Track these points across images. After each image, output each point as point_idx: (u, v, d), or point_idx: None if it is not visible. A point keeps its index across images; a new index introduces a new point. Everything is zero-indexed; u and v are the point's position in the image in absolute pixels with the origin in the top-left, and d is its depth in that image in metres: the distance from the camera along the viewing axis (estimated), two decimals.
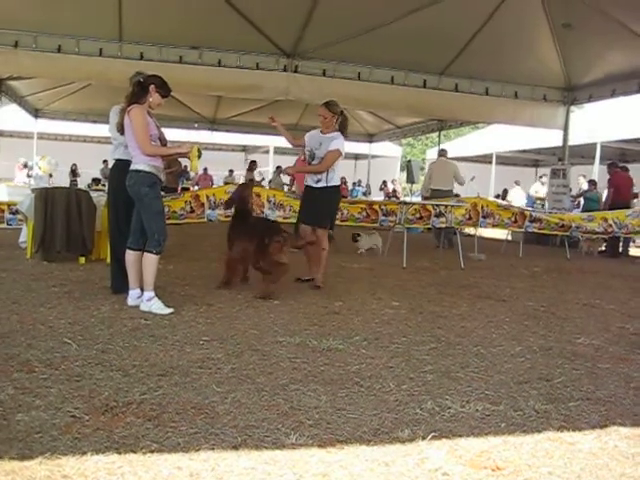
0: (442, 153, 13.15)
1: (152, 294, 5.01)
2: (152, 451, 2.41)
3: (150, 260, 5.03)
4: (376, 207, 10.58)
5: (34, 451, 2.35)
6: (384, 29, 11.02)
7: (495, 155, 23.04)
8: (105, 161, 22.97)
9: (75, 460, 2.30)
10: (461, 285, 7.27)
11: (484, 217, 10.41)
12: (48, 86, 16.14)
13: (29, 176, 20.13)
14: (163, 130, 5.54)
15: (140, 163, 5.03)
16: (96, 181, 20.89)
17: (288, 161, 25.37)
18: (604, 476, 2.43)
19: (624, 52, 11.69)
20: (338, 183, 6.65)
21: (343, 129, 6.47)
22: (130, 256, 5.17)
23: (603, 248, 13.17)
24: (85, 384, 3.12)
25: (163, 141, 5.45)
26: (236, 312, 5.11)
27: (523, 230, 11.11)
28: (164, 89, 5.19)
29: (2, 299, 5.08)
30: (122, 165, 5.32)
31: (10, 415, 2.67)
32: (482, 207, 10.40)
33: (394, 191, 24.13)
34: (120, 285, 5.47)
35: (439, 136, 20.02)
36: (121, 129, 5.15)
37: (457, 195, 12.01)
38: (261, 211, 9.39)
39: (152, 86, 5.10)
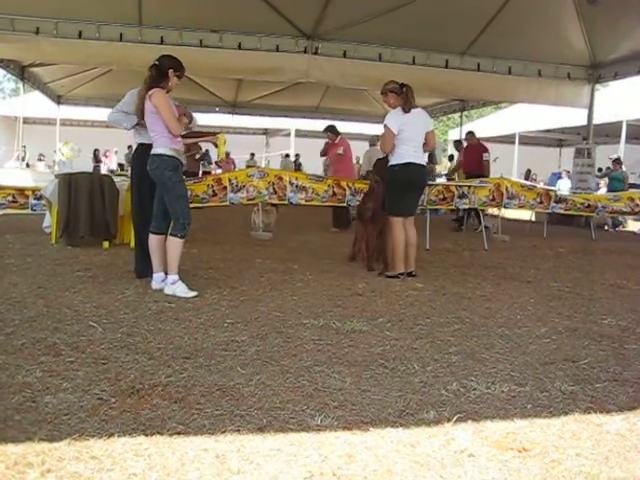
0: (375, 142, 13.86)
1: (176, 277, 5.03)
2: (178, 433, 2.43)
3: (175, 244, 5.05)
4: None
5: (62, 432, 2.38)
6: (405, 9, 10.89)
7: (518, 135, 22.81)
8: (130, 146, 23.18)
9: (103, 441, 2.32)
10: (485, 266, 7.23)
11: (509, 198, 10.29)
12: (70, 72, 16.20)
13: (22, 159, 20.35)
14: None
15: (161, 147, 5.04)
16: (120, 166, 21.05)
17: (309, 144, 25.38)
18: (632, 458, 2.40)
19: None
20: (394, 162, 6.17)
21: (405, 102, 6.11)
22: (153, 240, 5.20)
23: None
24: (111, 367, 3.15)
25: (189, 118, 5.46)
26: (260, 295, 5.12)
27: (549, 211, 10.98)
28: (180, 70, 5.20)
29: (28, 284, 5.14)
30: (146, 149, 5.31)
31: (38, 397, 2.70)
32: (506, 188, 10.29)
33: None
34: (144, 269, 5.50)
35: (461, 116, 19.89)
36: (140, 114, 5.15)
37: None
38: (283, 194, 9.38)
39: (171, 70, 5.10)
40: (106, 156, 23.31)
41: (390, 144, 6.16)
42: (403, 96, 6.13)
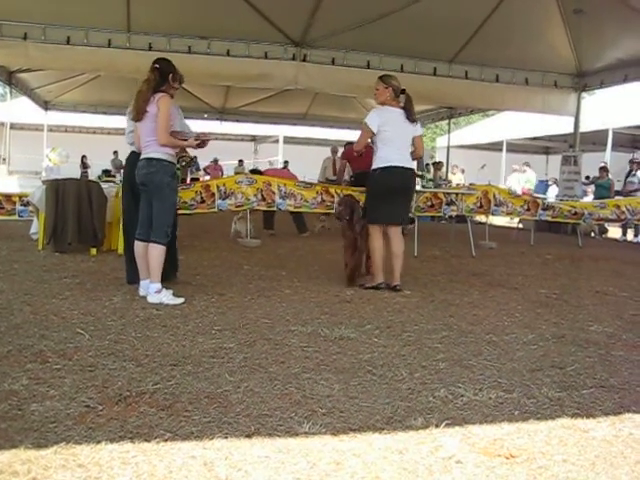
0: (336, 150, 14.31)
1: (159, 286, 4.97)
2: (166, 440, 2.42)
3: (159, 251, 5.00)
4: None
5: (49, 440, 2.36)
6: (393, 16, 10.96)
7: (505, 142, 22.95)
8: (116, 152, 23.07)
9: (90, 449, 2.31)
10: (472, 273, 7.25)
11: (497, 205, 10.34)
12: (58, 78, 16.18)
13: None
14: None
15: (160, 152, 4.98)
16: (106, 172, 20.93)
17: (298, 151, 25.43)
18: (619, 463, 2.41)
19: (637, 37, 11.58)
20: (376, 166, 5.79)
21: (403, 109, 5.81)
22: (140, 247, 5.15)
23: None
24: (98, 374, 3.13)
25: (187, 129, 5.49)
26: (248, 301, 5.11)
27: (536, 218, 11.05)
28: (177, 75, 5.17)
29: (15, 290, 5.11)
30: (138, 156, 5.24)
31: (25, 405, 2.68)
32: (494, 195, 10.34)
33: None
34: (134, 276, 5.45)
35: (449, 124, 19.99)
36: (139, 116, 5.02)
37: None
38: (272, 200, 9.39)
39: (171, 75, 5.07)
40: (122, 167, 22.94)
41: (364, 142, 5.91)
42: (397, 100, 5.82)
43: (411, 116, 5.82)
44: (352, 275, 6.08)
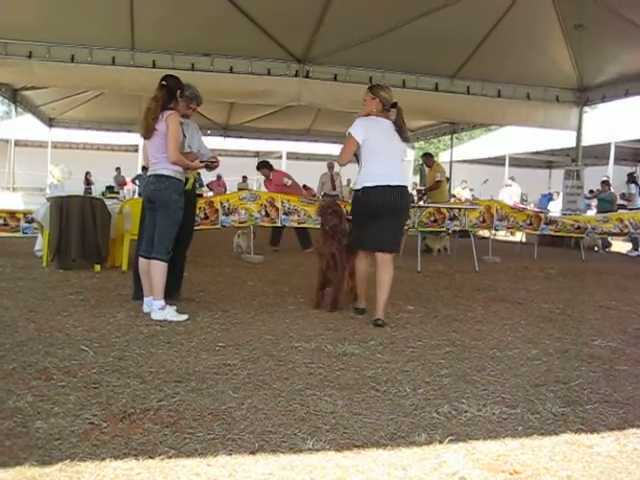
0: (332, 165, 14.49)
1: (163, 303, 4.98)
2: (170, 457, 2.42)
3: (161, 268, 5.01)
4: None
5: (54, 458, 2.37)
6: (395, 33, 11.01)
7: (508, 157, 22.99)
8: (118, 168, 23.15)
9: (94, 466, 2.31)
10: (476, 288, 7.25)
11: (499, 220, 10.36)
12: (62, 95, 16.26)
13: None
14: None
15: (169, 169, 5.01)
16: (110, 189, 21.00)
17: (301, 166, 25.47)
18: (623, 479, 2.41)
19: (637, 52, 11.63)
20: (358, 186, 5.19)
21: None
22: (144, 264, 5.16)
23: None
24: (103, 391, 3.14)
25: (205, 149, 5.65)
26: (251, 318, 5.12)
27: (538, 233, 11.05)
28: (183, 91, 5.22)
29: (19, 307, 5.12)
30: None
31: (29, 422, 2.69)
32: (496, 210, 10.35)
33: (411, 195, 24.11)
34: (141, 293, 5.41)
35: (451, 139, 20.03)
36: (149, 133, 5.02)
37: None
38: (276, 216, 9.42)
39: (179, 92, 5.11)
40: (125, 183, 22.96)
41: (348, 155, 5.22)
42: (386, 113, 5.25)
43: (403, 133, 5.21)
44: (335, 298, 5.62)
